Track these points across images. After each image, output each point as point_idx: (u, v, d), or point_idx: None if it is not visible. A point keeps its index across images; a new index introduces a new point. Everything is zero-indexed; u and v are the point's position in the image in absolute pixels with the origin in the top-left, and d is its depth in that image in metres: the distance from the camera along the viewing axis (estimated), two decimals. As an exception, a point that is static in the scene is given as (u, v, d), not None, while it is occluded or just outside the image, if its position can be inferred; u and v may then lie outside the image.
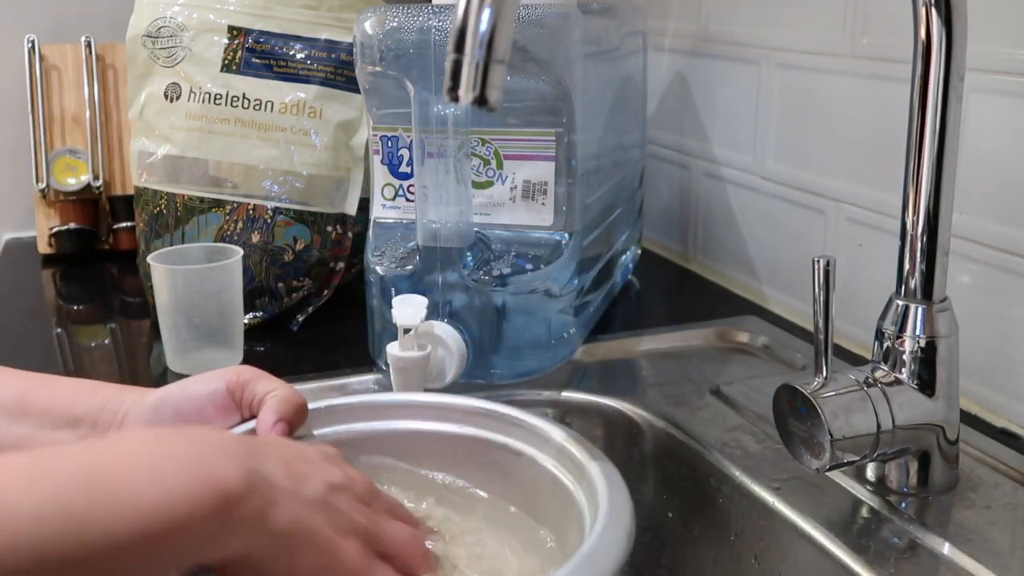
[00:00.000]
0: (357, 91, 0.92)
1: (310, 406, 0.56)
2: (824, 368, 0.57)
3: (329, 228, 0.95)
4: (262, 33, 0.95)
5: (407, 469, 0.59)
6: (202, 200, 0.94)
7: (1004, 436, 0.69)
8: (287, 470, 0.46)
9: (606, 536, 0.46)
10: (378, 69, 0.78)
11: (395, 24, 0.76)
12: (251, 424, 0.54)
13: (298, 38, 0.95)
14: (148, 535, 0.37)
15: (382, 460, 0.59)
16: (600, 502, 0.48)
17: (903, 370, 0.59)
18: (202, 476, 0.40)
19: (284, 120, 0.94)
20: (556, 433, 0.56)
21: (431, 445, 0.59)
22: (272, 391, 0.55)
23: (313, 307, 0.95)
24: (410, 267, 0.79)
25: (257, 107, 0.94)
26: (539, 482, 0.56)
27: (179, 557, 0.40)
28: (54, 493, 0.36)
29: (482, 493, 0.58)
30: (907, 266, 0.59)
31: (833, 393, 0.57)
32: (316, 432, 0.58)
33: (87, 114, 1.19)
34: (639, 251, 1.09)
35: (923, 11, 0.55)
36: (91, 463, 0.39)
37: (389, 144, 0.81)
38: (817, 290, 0.56)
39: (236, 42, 0.95)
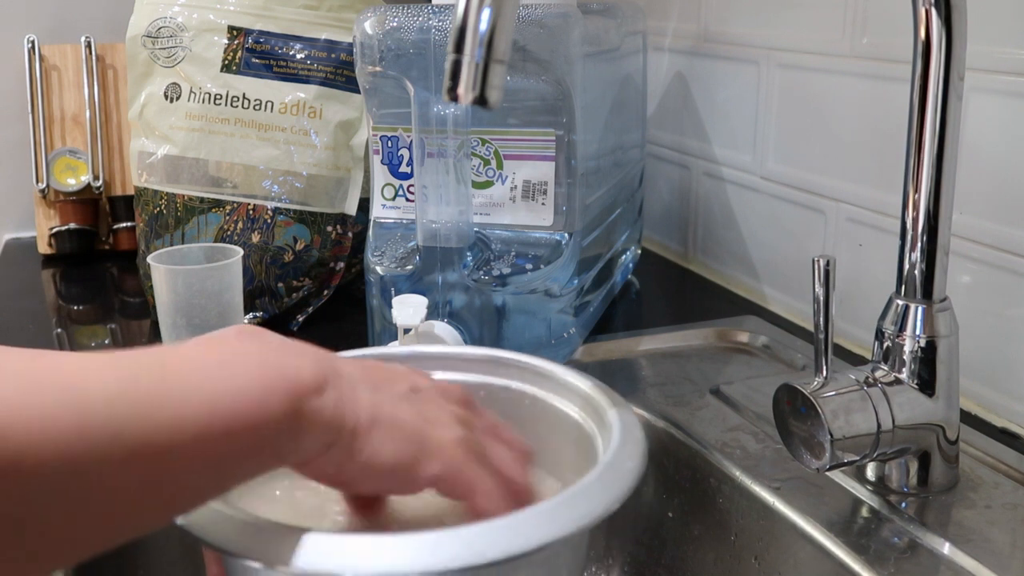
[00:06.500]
0: (357, 91, 0.92)
1: None
2: (824, 368, 0.57)
3: (329, 228, 0.95)
4: (262, 33, 0.95)
5: None
6: (202, 200, 0.94)
7: (1004, 436, 0.69)
8: (366, 372, 0.44)
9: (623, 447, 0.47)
10: (378, 69, 0.78)
11: (395, 24, 0.76)
12: None
13: (298, 38, 0.95)
14: (219, 422, 0.36)
15: None
16: (611, 423, 0.49)
17: (903, 370, 0.59)
18: (274, 370, 0.39)
19: (284, 120, 0.94)
20: (558, 371, 0.56)
21: None
22: None
23: (313, 307, 0.95)
24: (410, 267, 0.79)
25: (257, 107, 0.94)
26: (546, 419, 0.56)
27: (255, 456, 0.38)
28: (127, 375, 0.35)
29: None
30: (907, 266, 0.59)
31: (833, 393, 0.57)
32: None
33: (87, 114, 1.19)
34: (639, 251, 1.09)
35: (923, 11, 0.55)
36: (161, 356, 0.37)
37: (389, 144, 0.81)
38: (817, 290, 0.56)
39: (236, 42, 0.95)
